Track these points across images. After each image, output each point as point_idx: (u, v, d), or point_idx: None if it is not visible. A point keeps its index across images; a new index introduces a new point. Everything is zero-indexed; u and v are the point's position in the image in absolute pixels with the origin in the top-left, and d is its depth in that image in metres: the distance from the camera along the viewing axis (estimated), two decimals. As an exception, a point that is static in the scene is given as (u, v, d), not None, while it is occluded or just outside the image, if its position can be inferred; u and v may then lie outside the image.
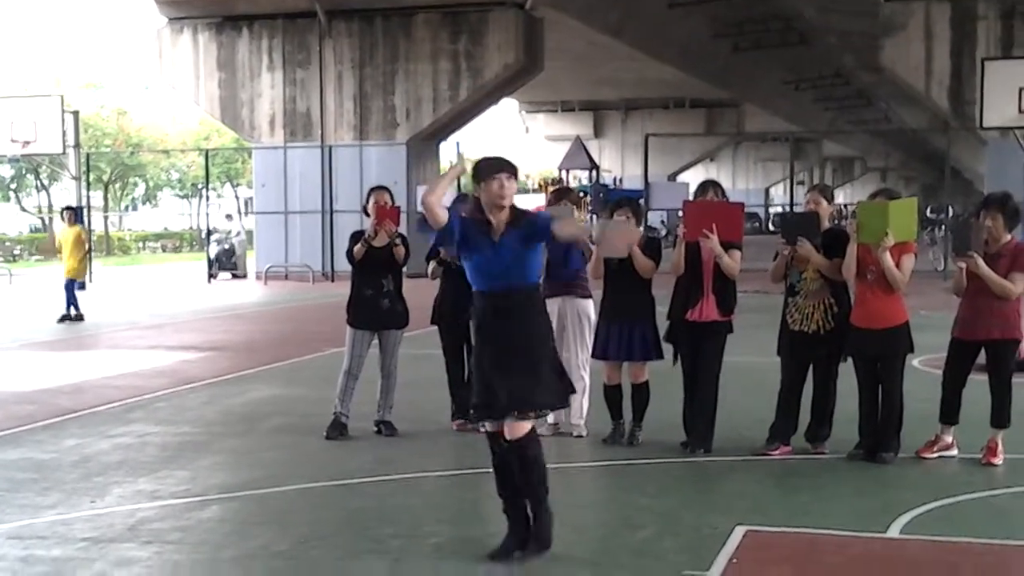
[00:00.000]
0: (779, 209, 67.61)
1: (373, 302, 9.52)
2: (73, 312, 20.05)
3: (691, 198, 9.21)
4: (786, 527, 6.86)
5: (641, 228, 9.03)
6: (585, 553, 6.41)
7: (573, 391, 6.58)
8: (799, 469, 8.32)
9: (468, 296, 9.46)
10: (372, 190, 9.59)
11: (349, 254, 9.49)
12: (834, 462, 8.38)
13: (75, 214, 21.80)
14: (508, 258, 6.12)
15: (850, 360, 8.46)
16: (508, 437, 6.12)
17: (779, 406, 8.70)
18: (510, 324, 6.15)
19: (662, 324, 8.95)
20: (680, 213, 9.01)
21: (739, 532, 6.61)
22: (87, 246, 21.26)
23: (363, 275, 9.54)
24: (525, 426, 6.11)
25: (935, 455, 8.40)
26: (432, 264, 9.71)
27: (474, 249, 6.20)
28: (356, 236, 9.57)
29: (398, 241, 9.44)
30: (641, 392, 9.05)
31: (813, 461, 8.47)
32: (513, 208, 6.23)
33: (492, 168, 6.15)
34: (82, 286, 20.45)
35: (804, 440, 8.71)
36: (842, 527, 6.79)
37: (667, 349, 8.92)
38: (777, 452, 8.58)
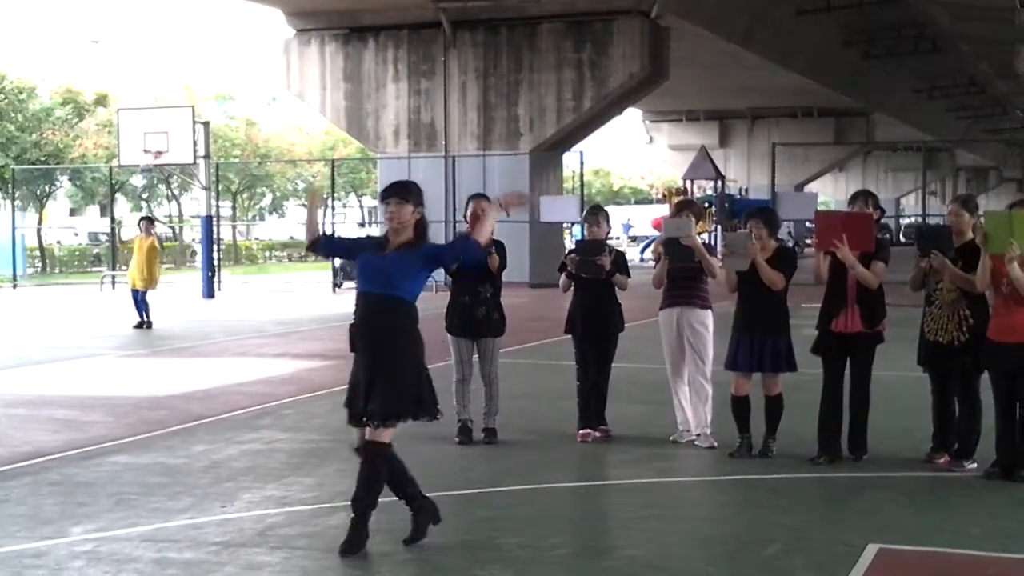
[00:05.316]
0: (910, 220, 66.29)
1: (469, 309, 9.52)
2: (144, 318, 20.64)
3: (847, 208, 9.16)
4: (919, 546, 6.69)
5: (772, 240, 8.92)
6: (711, 567, 6.33)
7: (436, 405, 6.66)
8: (933, 487, 8.14)
9: (599, 305, 9.55)
10: (471, 198, 9.28)
11: None
12: (969, 480, 8.15)
13: (150, 224, 22.11)
14: (391, 269, 6.44)
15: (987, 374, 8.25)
16: (366, 439, 6.50)
17: (933, 418, 8.68)
18: (380, 329, 6.46)
19: (800, 336, 8.84)
20: (807, 224, 8.93)
21: (871, 550, 6.46)
22: (159, 257, 21.73)
23: (460, 283, 9.59)
24: (385, 435, 6.47)
25: (1076, 473, 8.12)
26: (562, 276, 9.69)
27: (363, 256, 6.62)
28: None
29: (491, 249, 9.25)
30: (775, 405, 8.93)
31: (948, 479, 8.25)
32: (418, 235, 6.55)
33: (384, 193, 6.57)
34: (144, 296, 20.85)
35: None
36: (977, 548, 6.59)
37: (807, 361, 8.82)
38: (943, 461, 8.51)
